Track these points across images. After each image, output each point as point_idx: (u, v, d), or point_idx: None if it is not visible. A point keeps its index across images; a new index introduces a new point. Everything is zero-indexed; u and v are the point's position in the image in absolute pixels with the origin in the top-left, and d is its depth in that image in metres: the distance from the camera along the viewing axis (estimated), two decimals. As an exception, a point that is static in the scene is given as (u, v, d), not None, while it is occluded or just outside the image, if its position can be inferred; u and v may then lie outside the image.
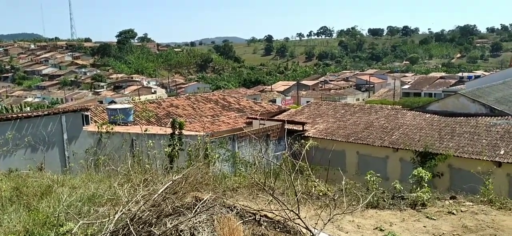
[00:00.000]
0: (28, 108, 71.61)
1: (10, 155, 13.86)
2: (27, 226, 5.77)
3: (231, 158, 16.77)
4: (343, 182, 6.20)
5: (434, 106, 25.26)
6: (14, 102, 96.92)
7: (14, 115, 15.25)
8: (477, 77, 65.07)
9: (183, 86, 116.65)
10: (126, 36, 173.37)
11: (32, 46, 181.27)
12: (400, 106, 29.14)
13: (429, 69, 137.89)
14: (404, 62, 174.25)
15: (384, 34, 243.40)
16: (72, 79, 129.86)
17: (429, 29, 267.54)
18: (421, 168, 8.98)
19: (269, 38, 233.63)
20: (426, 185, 8.02)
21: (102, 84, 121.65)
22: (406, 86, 78.57)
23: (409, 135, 21.91)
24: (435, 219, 6.62)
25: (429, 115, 23.89)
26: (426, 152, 19.86)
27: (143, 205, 4.33)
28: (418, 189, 7.91)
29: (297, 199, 4.82)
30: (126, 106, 22.05)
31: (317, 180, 7.58)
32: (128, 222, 4.01)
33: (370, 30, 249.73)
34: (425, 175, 8.18)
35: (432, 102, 29.66)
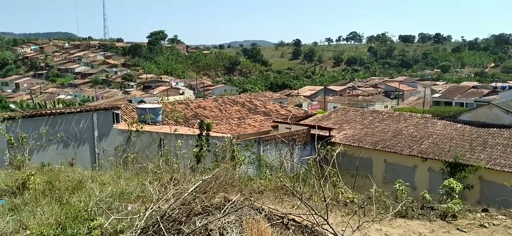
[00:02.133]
0: (61, 105, 73.82)
1: (43, 150, 14.27)
2: (59, 219, 5.94)
3: (256, 161, 16.82)
4: (374, 189, 6.10)
5: (466, 116, 24.61)
6: (47, 98, 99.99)
7: (48, 111, 15.70)
8: (511, 87, 62.97)
9: (211, 88, 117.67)
10: (156, 37, 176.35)
11: (66, 45, 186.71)
12: (430, 115, 28.49)
13: (461, 78, 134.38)
14: (435, 70, 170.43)
15: (415, 41, 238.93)
16: (103, 78, 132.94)
17: (462, 37, 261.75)
18: (451, 179, 8.76)
19: (297, 42, 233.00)
20: (457, 196, 7.82)
21: (132, 83, 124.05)
22: (436, 95, 76.79)
23: (439, 144, 21.41)
24: (466, 232, 6.44)
25: (460, 125, 23.30)
26: (456, 163, 19.36)
27: (173, 203, 4.39)
28: (448, 200, 7.72)
29: (326, 204, 4.79)
30: (156, 106, 22.42)
31: (344, 186, 7.50)
32: (159, 220, 4.08)
33: (400, 37, 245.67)
34: (456, 186, 7.98)
35: (464, 111, 28.88)
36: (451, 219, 7.02)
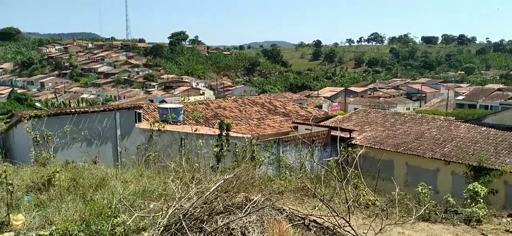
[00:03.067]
0: (84, 104, 75.33)
1: (68, 148, 14.57)
2: (83, 216, 6.07)
3: (275, 161, 16.80)
4: (396, 192, 6.02)
5: (491, 119, 24.07)
6: (71, 97, 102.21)
7: (72, 110, 16.04)
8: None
9: (230, 88, 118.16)
10: (178, 38, 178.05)
11: (90, 45, 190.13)
12: (454, 118, 28.00)
13: (485, 80, 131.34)
14: (458, 72, 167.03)
15: (438, 42, 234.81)
16: (126, 77, 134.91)
17: (487, 38, 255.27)
18: (476, 183, 8.58)
19: (317, 43, 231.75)
20: (481, 201, 7.65)
21: (153, 83, 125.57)
22: (460, 97, 75.30)
23: (463, 148, 20.99)
24: (491, 237, 6.30)
25: (484, 128, 22.79)
26: (481, 167, 18.95)
27: (195, 201, 4.43)
28: (473, 204, 7.57)
29: (348, 206, 4.76)
30: (177, 106, 22.64)
31: (366, 188, 7.43)
32: (181, 218, 4.12)
33: (423, 38, 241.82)
34: (481, 190, 7.81)
35: (489, 114, 28.23)
36: (475, 223, 6.89)
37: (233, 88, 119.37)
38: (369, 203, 7.12)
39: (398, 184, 7.01)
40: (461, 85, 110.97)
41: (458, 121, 25.02)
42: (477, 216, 6.97)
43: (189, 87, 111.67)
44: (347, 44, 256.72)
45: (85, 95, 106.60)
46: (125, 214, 5.54)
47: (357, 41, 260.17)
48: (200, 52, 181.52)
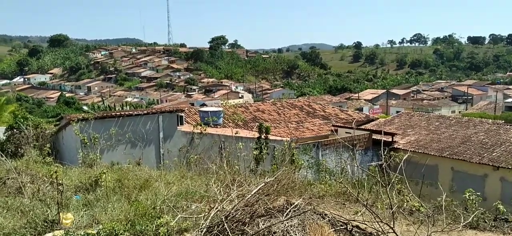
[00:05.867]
0: (128, 107, 77.75)
1: (113, 150, 15.06)
2: (128, 216, 6.25)
3: (315, 165, 16.66)
4: (442, 198, 5.82)
5: (544, 122, 22.79)
6: (116, 101, 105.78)
7: (117, 113, 16.57)
8: None
9: (269, 91, 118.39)
10: (218, 42, 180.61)
11: (133, 50, 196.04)
12: (503, 121, 26.67)
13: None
14: (508, 73, 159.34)
15: (485, 43, 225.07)
16: (167, 81, 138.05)
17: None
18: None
19: (358, 45, 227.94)
20: (534, 209, 7.27)
21: (194, 87, 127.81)
22: (509, 100, 71.74)
23: (513, 153, 19.99)
24: (545, 247, 5.97)
25: (537, 132, 21.60)
26: (533, 173, 17.99)
27: (237, 204, 4.47)
28: (525, 212, 7.21)
29: (392, 212, 4.65)
30: (217, 109, 22.93)
31: (410, 194, 7.22)
32: (223, 220, 4.16)
33: (469, 38, 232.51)
34: (534, 198, 7.42)
35: (542, 118, 26.75)
36: (528, 233, 6.54)
37: (272, 91, 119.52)
38: (414, 209, 6.92)
39: (444, 190, 6.77)
40: (511, 87, 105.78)
41: (507, 125, 23.85)
42: (530, 225, 6.63)
43: (228, 91, 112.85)
44: (389, 45, 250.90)
45: (129, 99, 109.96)
46: (168, 215, 5.67)
47: (399, 42, 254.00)
48: (239, 56, 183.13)
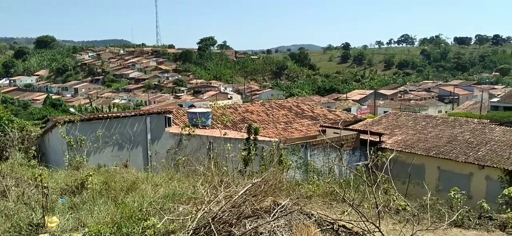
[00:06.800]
0: (116, 109, 77.16)
1: (100, 152, 14.95)
2: (115, 218, 6.21)
3: (303, 165, 16.71)
4: (428, 197, 5.88)
5: (528, 121, 23.17)
6: (103, 102, 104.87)
7: (104, 115, 16.43)
8: None
9: (258, 92, 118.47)
10: (206, 43, 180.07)
11: (121, 52, 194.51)
12: (488, 120, 27.08)
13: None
14: (493, 73, 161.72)
15: (471, 43, 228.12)
16: (156, 83, 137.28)
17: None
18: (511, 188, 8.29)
19: (346, 46, 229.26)
20: (518, 206, 7.39)
21: (182, 88, 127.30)
22: (495, 99, 72.81)
23: (498, 151, 20.29)
24: (529, 244, 6.07)
25: (521, 131, 21.95)
26: (517, 171, 18.28)
27: (224, 205, 4.47)
28: (508, 210, 7.32)
29: (378, 211, 4.69)
30: (206, 110, 22.88)
31: (396, 193, 7.29)
32: (210, 221, 4.16)
33: (456, 39, 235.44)
34: (517, 196, 7.54)
35: (526, 117, 27.20)
36: (511, 230, 6.65)
37: (261, 92, 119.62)
38: (400, 208, 6.98)
39: (430, 189, 6.85)
40: (496, 86, 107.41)
41: (492, 124, 24.21)
42: (514, 222, 6.73)
43: (217, 92, 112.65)
44: (377, 46, 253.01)
45: (116, 100, 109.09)
46: (155, 217, 5.64)
47: (387, 43, 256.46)
48: (228, 57, 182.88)
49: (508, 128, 22.82)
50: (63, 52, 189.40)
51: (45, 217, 6.16)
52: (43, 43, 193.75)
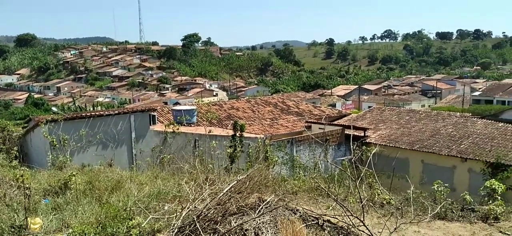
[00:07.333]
0: (100, 107, 76.27)
1: (83, 151, 14.76)
2: (99, 218, 6.15)
3: (289, 161, 16.79)
4: (411, 190, 5.97)
5: (508, 114, 23.68)
6: (87, 101, 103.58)
7: (87, 114, 16.21)
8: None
9: (243, 89, 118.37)
10: (191, 40, 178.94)
11: (104, 49, 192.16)
12: (470, 114, 27.55)
13: (502, 75, 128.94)
14: (474, 67, 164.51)
15: (453, 38, 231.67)
16: (140, 80, 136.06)
17: (503, 32, 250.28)
18: (493, 180, 8.45)
19: (330, 42, 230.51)
20: (499, 198, 7.54)
21: (167, 86, 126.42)
22: (476, 93, 74.10)
23: (479, 144, 20.67)
24: (509, 234, 6.20)
25: (502, 124, 22.38)
26: (498, 163, 18.63)
27: (209, 203, 4.46)
28: (490, 202, 7.47)
29: (362, 206, 4.73)
30: (191, 107, 22.76)
31: (381, 187, 7.37)
32: (195, 219, 4.15)
33: (438, 34, 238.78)
34: (498, 188, 7.69)
35: (506, 110, 27.78)
36: (493, 221, 6.78)
37: (246, 88, 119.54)
38: (384, 202, 7.06)
39: (414, 182, 6.94)
40: (477, 80, 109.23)
41: (474, 117, 24.62)
42: (495, 213, 6.87)
43: (202, 89, 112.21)
44: (360, 41, 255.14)
45: (100, 99, 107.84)
46: (140, 216, 5.61)
47: (370, 38, 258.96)
48: (212, 53, 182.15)
49: (490, 121, 23.24)
50: (45, 50, 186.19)
51: (28, 218, 6.07)
52: (24, 41, 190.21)
